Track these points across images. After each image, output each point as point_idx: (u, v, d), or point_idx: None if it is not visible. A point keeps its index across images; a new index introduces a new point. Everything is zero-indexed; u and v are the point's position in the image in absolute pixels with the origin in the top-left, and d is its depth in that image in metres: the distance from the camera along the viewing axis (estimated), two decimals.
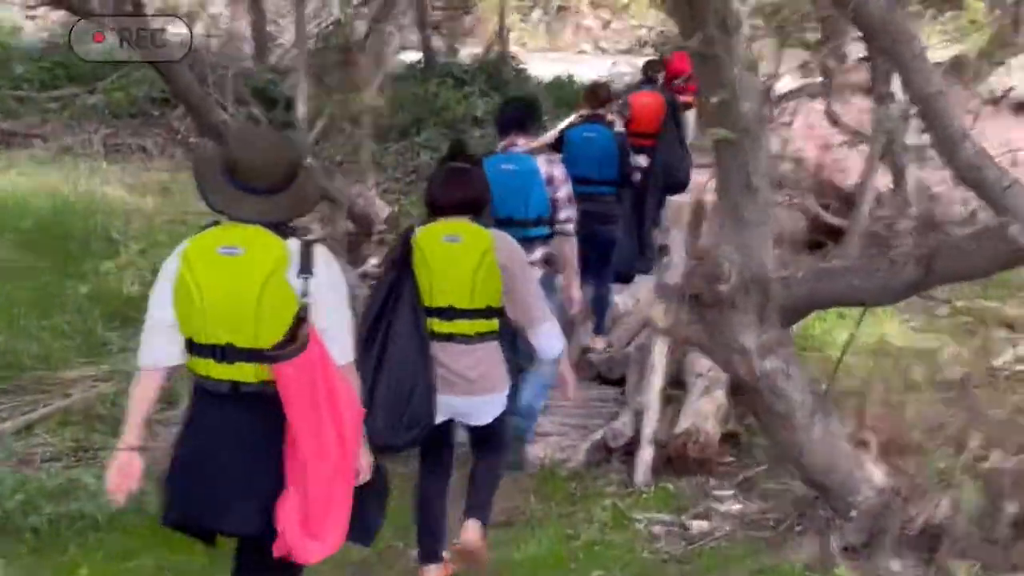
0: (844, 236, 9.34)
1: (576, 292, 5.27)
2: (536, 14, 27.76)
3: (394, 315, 3.54)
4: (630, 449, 4.96)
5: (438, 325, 3.62)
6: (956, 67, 8.32)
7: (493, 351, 3.71)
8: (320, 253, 2.76)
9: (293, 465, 2.71)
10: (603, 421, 5.47)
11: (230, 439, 2.75)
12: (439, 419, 3.61)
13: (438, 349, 3.60)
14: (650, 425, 4.91)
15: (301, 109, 7.45)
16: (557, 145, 6.50)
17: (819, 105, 13.09)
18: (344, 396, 2.75)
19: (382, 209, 8.50)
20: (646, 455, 4.82)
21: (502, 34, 15.85)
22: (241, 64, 13.35)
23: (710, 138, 3.56)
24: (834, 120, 12.30)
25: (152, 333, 2.80)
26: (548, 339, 3.71)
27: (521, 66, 15.42)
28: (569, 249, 5.09)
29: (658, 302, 4.69)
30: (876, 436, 4.14)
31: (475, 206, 3.70)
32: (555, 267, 5.07)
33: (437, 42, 15.76)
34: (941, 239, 4.07)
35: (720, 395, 5.08)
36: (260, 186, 2.73)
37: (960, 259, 3.56)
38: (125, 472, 2.78)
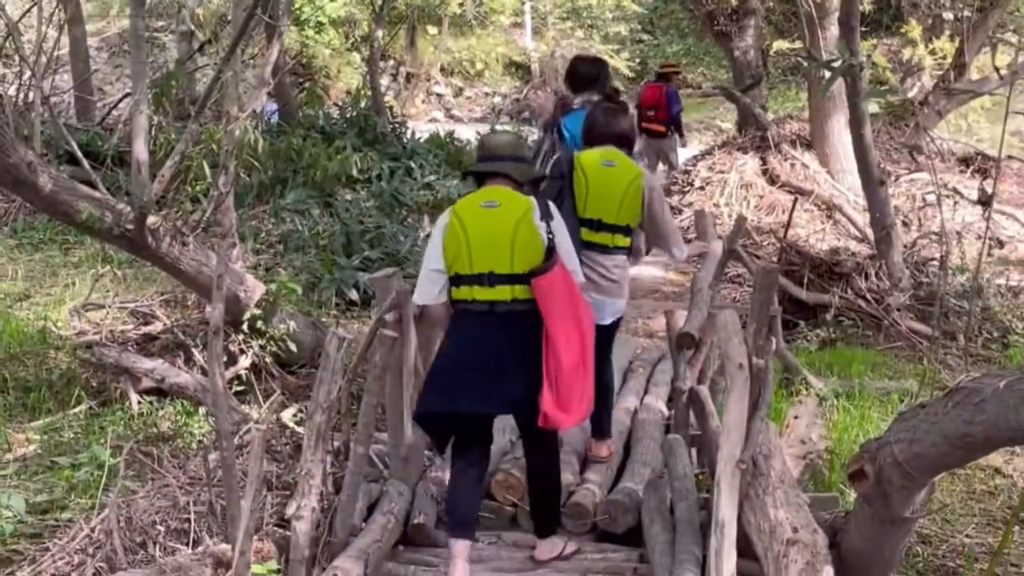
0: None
1: None
2: (385, 80, 26.37)
3: None
4: None
5: (586, 234, 4.38)
6: None
7: (624, 263, 4.56)
8: (552, 205, 3.95)
9: (549, 359, 3.72)
10: None
11: (488, 345, 3.81)
12: None
13: (583, 255, 4.22)
14: None
15: (141, 150, 5.24)
16: None
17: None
18: (583, 304, 3.86)
19: (253, 288, 6.16)
20: None
21: (374, 83, 13.85)
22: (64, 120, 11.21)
23: None
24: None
25: (425, 280, 3.95)
26: (680, 252, 4.71)
27: (398, 119, 13.43)
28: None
29: None
30: None
31: (626, 140, 4.63)
32: None
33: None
34: None
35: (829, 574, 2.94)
36: (505, 155, 4.00)
37: None
38: None
